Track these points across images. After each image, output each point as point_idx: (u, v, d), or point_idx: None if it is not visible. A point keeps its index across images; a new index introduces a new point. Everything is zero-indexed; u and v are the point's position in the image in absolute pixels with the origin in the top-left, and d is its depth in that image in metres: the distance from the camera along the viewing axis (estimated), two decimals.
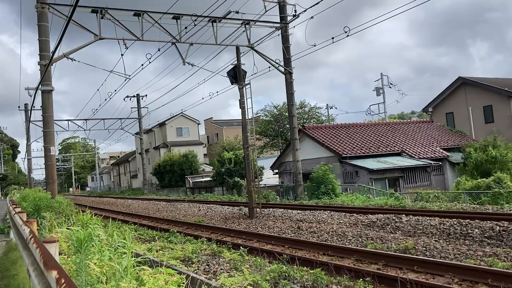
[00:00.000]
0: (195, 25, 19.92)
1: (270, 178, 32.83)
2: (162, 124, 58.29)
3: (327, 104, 56.92)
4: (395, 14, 35.00)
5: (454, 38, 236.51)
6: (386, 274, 7.27)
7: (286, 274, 6.77)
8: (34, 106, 36.20)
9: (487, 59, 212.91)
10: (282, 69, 22.63)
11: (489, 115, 30.30)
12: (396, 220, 12.58)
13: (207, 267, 7.87)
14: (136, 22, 18.92)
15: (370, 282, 6.74)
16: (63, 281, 2.55)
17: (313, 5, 18.84)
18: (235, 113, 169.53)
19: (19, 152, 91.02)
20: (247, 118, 18.07)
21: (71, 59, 19.42)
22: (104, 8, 18.19)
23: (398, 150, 27.01)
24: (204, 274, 7.22)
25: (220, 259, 8.47)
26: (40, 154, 65.11)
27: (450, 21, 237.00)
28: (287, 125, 42.10)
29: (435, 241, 10.07)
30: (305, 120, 48.35)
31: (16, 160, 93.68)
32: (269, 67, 22.70)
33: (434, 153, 26.78)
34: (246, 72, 18.63)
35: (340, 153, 25.45)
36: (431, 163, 25.30)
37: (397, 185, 24.05)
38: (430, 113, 35.31)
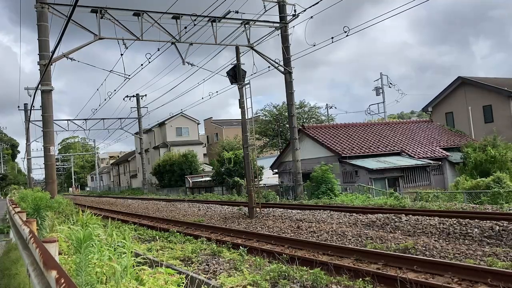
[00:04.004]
0: (194, 25, 19.92)
1: (269, 178, 32.82)
2: (161, 124, 58.30)
3: (326, 104, 57.02)
4: (397, 13, 35.06)
5: (456, 36, 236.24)
6: (385, 274, 7.28)
7: (286, 274, 6.77)
8: (33, 106, 36.21)
9: (489, 57, 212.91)
10: (282, 69, 22.63)
11: (488, 114, 30.30)
12: (396, 219, 12.59)
13: (206, 266, 7.88)
14: (136, 22, 18.93)
15: (370, 282, 6.75)
16: (62, 281, 2.55)
17: (313, 5, 18.85)
18: (235, 113, 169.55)
19: (19, 152, 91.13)
20: (246, 118, 18.07)
21: (71, 59, 19.44)
22: (103, 8, 18.18)
23: (397, 150, 27.02)
24: (204, 274, 7.23)
25: (220, 258, 8.47)
26: (40, 154, 65.14)
27: (452, 19, 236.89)
28: (287, 125, 42.11)
29: (435, 240, 10.08)
30: (304, 120, 48.38)
31: (16, 160, 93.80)
32: (269, 66, 22.73)
33: (433, 153, 26.79)
34: (245, 72, 18.64)
35: (340, 152, 25.46)
36: (430, 163, 25.31)
37: (396, 185, 24.06)
38: (430, 112, 35.31)
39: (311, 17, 21.01)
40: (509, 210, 12.74)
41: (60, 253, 5.21)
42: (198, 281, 6.12)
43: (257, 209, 17.71)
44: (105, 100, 39.38)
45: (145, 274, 4.45)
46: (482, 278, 6.61)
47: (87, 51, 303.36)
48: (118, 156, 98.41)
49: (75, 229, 5.08)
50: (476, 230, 10.31)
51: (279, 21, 22.40)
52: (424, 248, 9.13)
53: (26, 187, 52.35)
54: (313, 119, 50.38)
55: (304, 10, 21.17)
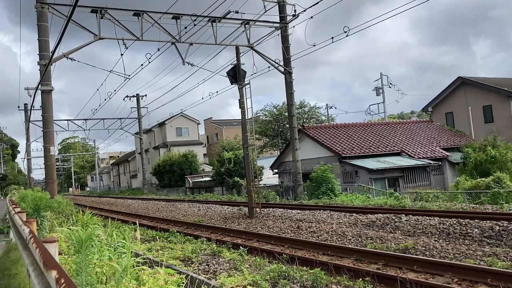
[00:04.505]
0: (194, 25, 19.92)
1: (270, 178, 32.83)
2: (161, 124, 58.29)
3: (326, 104, 57.04)
4: (398, 13, 34.98)
5: (456, 36, 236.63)
6: (385, 274, 7.28)
7: (286, 274, 6.77)
8: (33, 106, 36.21)
9: (490, 57, 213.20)
10: (282, 69, 22.63)
11: (488, 115, 30.31)
12: (396, 219, 12.59)
13: (206, 267, 7.88)
14: (136, 22, 18.93)
15: (370, 282, 6.75)
16: (62, 281, 2.55)
17: (313, 5, 18.85)
18: (235, 113, 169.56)
19: (19, 152, 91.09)
20: (246, 118, 18.07)
21: (71, 59, 19.44)
22: (103, 8, 18.18)
23: (397, 150, 27.02)
24: (204, 274, 7.23)
25: (220, 258, 8.47)
26: (40, 154, 65.10)
27: (453, 19, 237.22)
28: (287, 125, 42.13)
29: (435, 240, 10.08)
30: (304, 120, 48.38)
31: (16, 160, 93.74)
32: (269, 66, 22.73)
33: (433, 153, 26.79)
34: (245, 72, 18.64)
35: (340, 153, 25.46)
36: (430, 163, 25.31)
37: (396, 185, 24.06)
38: (430, 113, 35.32)
39: (311, 17, 21.03)
40: (509, 210, 12.74)
41: (60, 253, 5.21)
42: (198, 281, 6.12)
43: (257, 209, 17.71)
44: (105, 100, 39.42)
45: (145, 274, 4.45)
46: (482, 278, 6.61)
47: (87, 51, 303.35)
48: (118, 156, 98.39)
49: (75, 229, 5.08)
50: (476, 230, 10.31)
51: (279, 21, 22.40)
52: (424, 248, 9.13)
53: (26, 187, 52.34)
54: (313, 119, 50.39)
55: (304, 10, 21.19)
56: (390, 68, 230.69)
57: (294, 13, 21.53)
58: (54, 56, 16.43)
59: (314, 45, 21.12)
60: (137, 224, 5.72)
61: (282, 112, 46.95)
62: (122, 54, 21.01)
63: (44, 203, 12.48)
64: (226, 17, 20.53)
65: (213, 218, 18.56)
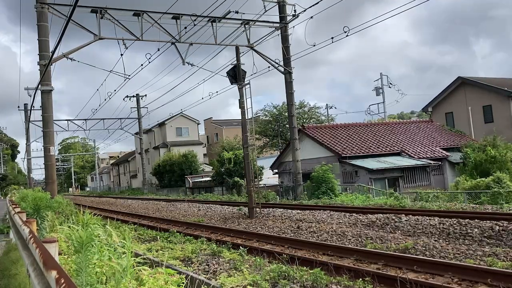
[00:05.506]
0: (194, 25, 19.92)
1: (269, 178, 32.82)
2: (161, 124, 58.29)
3: (326, 104, 57.05)
4: (398, 13, 35.00)
5: (457, 36, 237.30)
6: (385, 274, 7.28)
7: (286, 274, 6.77)
8: (33, 106, 36.20)
9: (490, 57, 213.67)
10: (282, 69, 22.63)
11: (488, 115, 30.32)
12: (396, 220, 12.59)
13: (206, 267, 7.88)
14: (136, 22, 18.92)
15: (370, 282, 6.74)
16: (62, 281, 2.55)
17: (313, 5, 18.84)
18: (235, 113, 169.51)
19: (19, 152, 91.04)
20: (246, 118, 18.07)
21: (71, 59, 19.42)
22: (103, 8, 18.17)
23: (397, 150, 27.01)
24: (204, 274, 7.23)
25: (220, 259, 8.47)
26: (40, 154, 65.06)
27: (453, 19, 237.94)
28: (287, 125, 42.12)
29: (435, 240, 10.08)
30: (304, 120, 48.38)
31: (16, 160, 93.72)
32: (269, 66, 22.73)
33: (433, 153, 26.79)
34: (245, 72, 18.64)
35: (340, 153, 25.46)
36: (430, 163, 25.31)
37: (396, 185, 24.06)
38: (430, 113, 35.32)
39: (311, 17, 21.01)
40: (509, 210, 12.75)
41: (60, 253, 5.20)
42: (198, 281, 6.12)
43: (257, 209, 17.71)
44: (105, 100, 39.43)
45: (145, 274, 4.45)
46: (482, 278, 6.61)
47: (87, 51, 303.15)
48: (118, 156, 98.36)
49: (75, 229, 5.08)
50: (476, 230, 10.31)
51: (279, 21, 22.39)
52: (424, 248, 9.13)
53: (26, 187, 52.32)
54: (313, 119, 50.39)
55: (304, 10, 21.19)
56: (390, 68, 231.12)
57: (294, 13, 21.53)
58: (54, 56, 16.43)
59: (314, 45, 21.13)
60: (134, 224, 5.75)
61: (282, 112, 46.95)
62: (122, 54, 21.02)
63: (44, 203, 12.47)
64: (226, 17, 20.53)
65: (213, 218, 18.56)
